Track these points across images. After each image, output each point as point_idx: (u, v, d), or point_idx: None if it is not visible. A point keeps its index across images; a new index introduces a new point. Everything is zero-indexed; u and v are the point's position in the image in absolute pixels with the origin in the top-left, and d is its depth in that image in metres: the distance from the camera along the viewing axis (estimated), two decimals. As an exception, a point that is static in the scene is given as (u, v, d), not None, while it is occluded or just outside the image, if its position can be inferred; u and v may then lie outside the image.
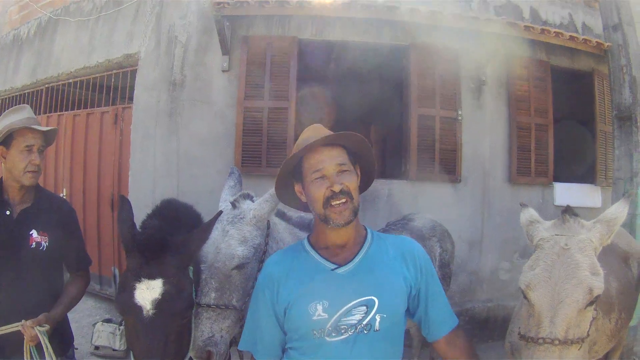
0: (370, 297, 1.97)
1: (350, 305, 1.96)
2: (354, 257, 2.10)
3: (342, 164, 2.09)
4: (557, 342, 2.01)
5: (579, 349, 2.07)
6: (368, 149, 2.25)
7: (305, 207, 2.34)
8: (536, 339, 2.05)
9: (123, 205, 2.43)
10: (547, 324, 2.05)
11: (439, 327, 2.14)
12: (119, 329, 6.13)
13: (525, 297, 2.21)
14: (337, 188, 2.02)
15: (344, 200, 2.03)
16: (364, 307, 1.96)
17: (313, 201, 2.10)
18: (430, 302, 2.14)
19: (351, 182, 2.07)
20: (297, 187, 2.22)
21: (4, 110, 8.46)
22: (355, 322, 1.95)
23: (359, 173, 2.22)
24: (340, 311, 1.95)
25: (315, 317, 1.95)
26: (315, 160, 2.10)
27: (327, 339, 1.94)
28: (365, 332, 1.95)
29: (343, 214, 2.03)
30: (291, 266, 2.11)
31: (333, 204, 2.02)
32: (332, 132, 2.19)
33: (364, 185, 2.32)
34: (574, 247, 2.17)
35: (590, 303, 2.07)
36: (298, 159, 2.18)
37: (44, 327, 2.76)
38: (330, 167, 2.07)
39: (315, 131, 2.20)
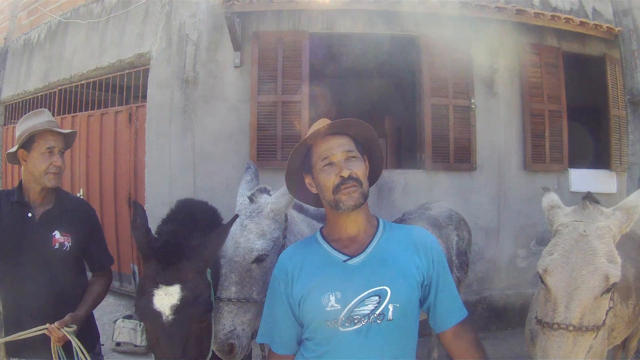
0: (382, 287, 1.98)
1: (362, 295, 1.97)
2: (365, 248, 2.10)
3: (349, 150, 2.13)
4: (571, 327, 2.01)
5: (594, 337, 2.07)
6: (375, 138, 2.28)
7: (315, 202, 2.37)
8: (551, 324, 2.06)
9: (136, 211, 2.44)
10: (563, 310, 2.06)
11: (447, 319, 2.13)
12: (140, 325, 6.18)
13: (542, 281, 2.22)
14: (345, 173, 2.05)
15: (353, 184, 2.05)
16: (377, 297, 1.97)
17: (323, 188, 2.13)
18: (440, 293, 2.13)
19: (359, 168, 2.10)
20: (307, 179, 2.26)
21: (18, 114, 8.67)
22: (368, 312, 1.95)
23: (367, 164, 2.24)
24: (353, 302, 1.96)
25: (328, 308, 1.96)
26: (323, 149, 2.14)
27: (341, 329, 1.95)
28: (378, 321, 1.95)
29: (352, 195, 2.05)
30: (304, 259, 2.13)
31: (342, 187, 2.05)
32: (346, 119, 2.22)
33: (373, 177, 2.33)
34: (592, 234, 2.16)
35: (607, 291, 2.07)
36: (306, 151, 2.23)
37: (71, 327, 2.79)
38: (338, 154, 2.11)
39: (323, 124, 2.21)
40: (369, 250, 2.09)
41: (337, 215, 2.14)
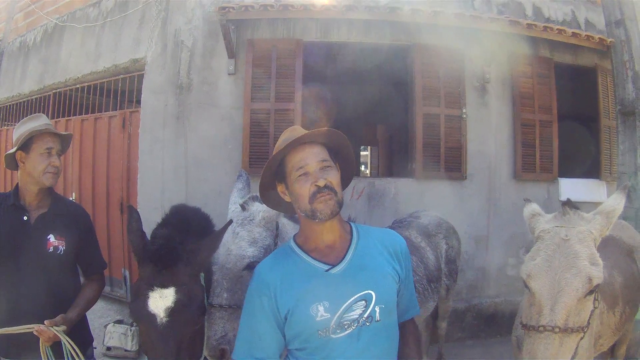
0: (367, 291, 2.04)
1: (350, 301, 2.02)
2: (344, 256, 2.14)
3: (324, 160, 2.14)
4: (557, 329, 2.05)
5: (580, 338, 2.11)
6: (347, 146, 2.30)
7: (288, 209, 2.40)
8: (537, 327, 2.09)
9: (131, 215, 2.46)
10: (548, 312, 2.10)
11: (404, 313, 2.28)
12: (131, 330, 6.20)
13: (526, 286, 2.26)
14: (321, 183, 2.06)
15: (329, 193, 2.07)
16: (363, 302, 2.03)
17: (298, 198, 2.13)
18: (404, 290, 2.24)
19: (334, 177, 2.12)
20: (280, 188, 2.26)
21: (12, 116, 8.64)
22: (357, 316, 2.01)
23: (339, 170, 2.25)
24: (342, 308, 2.00)
25: (318, 318, 1.99)
26: (298, 158, 2.14)
27: (333, 336, 1.99)
28: (367, 324, 2.02)
29: (328, 203, 2.06)
30: (284, 271, 2.13)
31: (318, 196, 2.07)
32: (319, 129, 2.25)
33: (343, 183, 2.33)
34: (573, 238, 2.21)
35: (590, 292, 2.11)
36: (280, 160, 2.22)
37: (60, 327, 2.81)
38: (313, 163, 2.11)
39: (294, 132, 2.24)
40: (348, 257, 2.14)
41: (314, 225, 2.15)
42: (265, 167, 2.25)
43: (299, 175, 2.12)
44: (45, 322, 2.77)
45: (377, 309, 2.04)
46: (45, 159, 3.05)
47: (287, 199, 2.24)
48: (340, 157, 2.31)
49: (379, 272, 2.12)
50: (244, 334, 2.16)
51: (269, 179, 2.31)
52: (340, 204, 2.11)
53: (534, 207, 2.58)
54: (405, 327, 2.27)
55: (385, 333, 2.09)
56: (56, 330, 2.78)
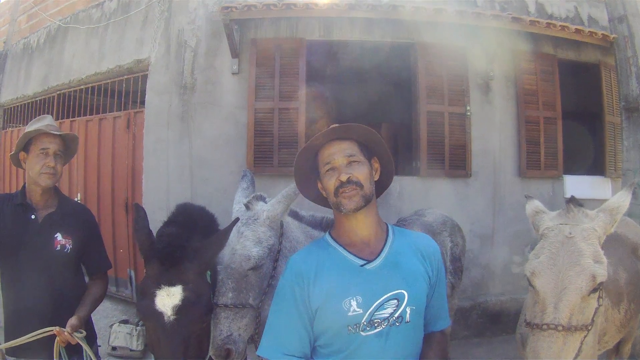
0: (400, 291, 2.04)
1: (382, 299, 2.02)
2: (380, 252, 2.15)
3: (351, 155, 2.16)
4: (560, 327, 2.03)
5: (584, 337, 2.11)
6: (378, 140, 2.29)
7: (325, 203, 2.39)
8: (540, 325, 2.08)
9: (138, 213, 2.48)
10: (551, 310, 2.08)
11: (431, 323, 2.24)
12: (136, 330, 6.22)
13: (530, 284, 2.25)
14: (344, 177, 2.09)
15: (352, 187, 2.09)
16: (395, 301, 2.03)
17: (327, 192, 2.19)
18: (434, 299, 2.23)
19: (361, 172, 2.14)
20: (319, 185, 2.29)
21: (17, 118, 8.69)
22: (388, 315, 2.01)
23: (377, 166, 2.30)
24: (374, 305, 2.00)
25: (350, 313, 1.99)
26: (326, 154, 2.20)
27: (362, 333, 1.98)
28: (397, 324, 2.01)
29: (352, 199, 2.09)
30: (319, 263, 2.14)
31: (341, 190, 2.10)
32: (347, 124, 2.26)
33: (384, 181, 2.39)
34: (577, 236, 2.20)
35: (594, 290, 2.10)
36: (314, 156, 2.28)
37: (81, 333, 2.85)
38: (339, 159, 2.15)
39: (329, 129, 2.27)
40: (383, 254, 2.14)
41: (344, 218, 2.18)
42: (296, 161, 2.33)
43: (327, 170, 2.18)
44: (67, 328, 2.80)
45: (408, 310, 2.04)
46: (41, 160, 3.08)
47: (324, 193, 2.27)
48: (377, 153, 2.32)
49: (412, 273, 2.13)
50: (272, 328, 2.15)
51: (305, 175, 2.38)
52: (366, 198, 2.12)
53: (536, 204, 2.58)
54: (433, 338, 2.24)
55: (413, 334, 2.10)
56: (77, 338, 2.82)
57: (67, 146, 3.28)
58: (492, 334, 6.95)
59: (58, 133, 3.16)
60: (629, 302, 3.31)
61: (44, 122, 3.21)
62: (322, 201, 2.41)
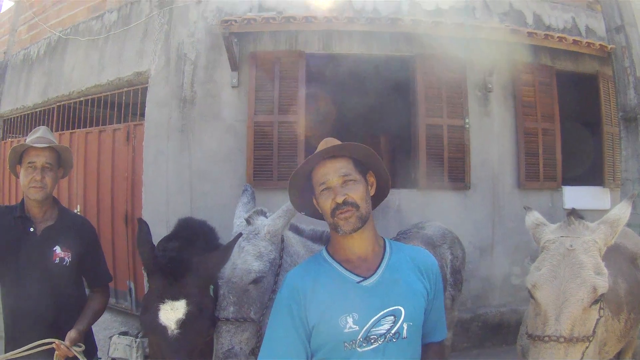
0: (397, 307, 2.05)
1: (378, 315, 2.02)
2: (377, 269, 2.14)
3: (346, 174, 2.15)
4: (562, 339, 2.05)
5: (585, 348, 2.12)
6: (375, 157, 2.28)
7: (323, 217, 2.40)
8: (542, 337, 2.09)
9: (141, 228, 2.48)
10: (553, 322, 2.10)
11: (428, 335, 2.25)
12: (135, 342, 6.20)
13: (532, 296, 2.26)
14: (340, 199, 2.09)
15: (348, 209, 2.09)
16: (392, 317, 2.03)
17: (324, 212, 2.19)
18: (432, 312, 2.23)
19: (356, 192, 2.13)
20: (314, 201, 2.28)
21: (16, 129, 8.72)
22: (385, 331, 2.01)
23: (372, 181, 2.29)
24: (370, 322, 2.00)
25: (346, 330, 1.99)
26: (320, 174, 2.19)
27: (358, 349, 1.98)
28: (394, 340, 2.01)
29: (349, 220, 2.09)
30: (315, 279, 2.14)
31: (338, 213, 2.10)
32: (340, 143, 2.25)
33: (381, 193, 2.37)
34: (578, 248, 2.21)
35: (595, 302, 2.11)
36: (308, 174, 2.27)
37: (80, 347, 2.86)
38: (334, 179, 2.14)
39: (326, 144, 2.25)
40: (380, 271, 2.14)
41: (340, 237, 2.17)
42: (290, 181, 2.32)
43: (322, 190, 2.17)
44: (66, 341, 2.81)
45: (404, 326, 2.04)
46: (29, 174, 3.11)
47: (320, 211, 2.26)
48: (373, 167, 2.31)
49: (409, 289, 2.13)
50: (269, 343, 2.14)
51: (300, 191, 2.37)
52: (362, 219, 2.12)
53: (536, 215, 2.59)
54: (431, 348, 2.26)
55: (410, 350, 2.09)
56: (76, 352, 2.83)
57: (61, 158, 3.28)
58: (493, 345, 6.94)
59: (42, 146, 3.14)
60: (628, 312, 3.31)
61: (36, 134, 3.23)
62: (319, 215, 2.40)
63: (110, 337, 6.42)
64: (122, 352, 6.25)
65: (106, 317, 7.58)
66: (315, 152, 2.24)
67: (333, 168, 2.17)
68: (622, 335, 3.30)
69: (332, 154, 2.20)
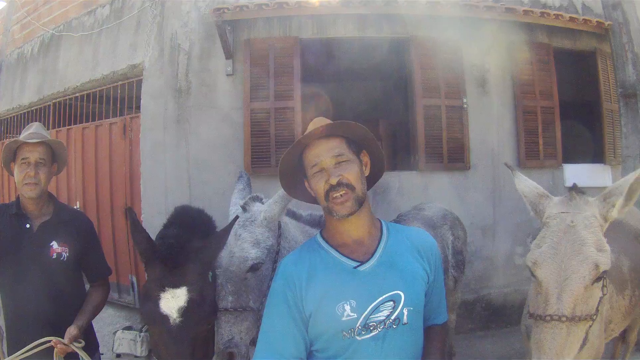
0: (396, 292, 1.97)
1: (377, 302, 1.95)
2: (374, 253, 2.06)
3: (339, 154, 2.06)
4: (564, 318, 1.97)
5: (588, 327, 2.07)
6: (368, 135, 2.19)
7: (316, 201, 2.27)
8: (543, 316, 2.02)
9: (132, 218, 2.43)
10: (554, 301, 2.02)
11: (430, 319, 2.19)
12: (140, 336, 6.21)
13: (532, 275, 2.19)
14: (334, 180, 1.99)
15: (343, 191, 2.00)
16: (391, 302, 1.96)
17: (317, 195, 2.09)
18: (432, 294, 2.17)
19: (351, 172, 2.03)
20: (306, 183, 2.18)
21: (13, 128, 8.69)
22: (384, 317, 1.94)
23: (366, 160, 2.19)
24: (368, 309, 1.93)
25: (344, 318, 1.92)
26: (312, 155, 2.09)
27: (357, 337, 1.92)
28: (394, 326, 1.95)
29: (345, 204, 2.00)
30: (310, 266, 2.06)
31: (333, 196, 2.00)
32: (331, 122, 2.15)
33: (375, 174, 2.28)
34: (579, 224, 2.14)
35: (598, 279, 2.05)
36: (299, 156, 2.17)
37: (80, 342, 2.84)
38: (326, 159, 2.04)
39: (317, 124, 2.14)
40: (377, 255, 2.06)
41: (336, 221, 2.08)
42: (281, 163, 2.20)
43: (315, 172, 2.07)
44: (65, 339, 2.80)
45: (405, 311, 1.97)
46: (22, 170, 3.07)
47: (313, 194, 2.17)
48: (367, 147, 2.22)
49: (408, 272, 2.05)
50: (266, 333, 2.07)
51: (291, 176, 2.27)
52: (358, 200, 2.03)
53: (530, 182, 2.50)
54: (433, 331, 2.19)
55: (412, 336, 2.02)
56: (76, 347, 2.81)
57: (55, 153, 3.24)
58: (497, 327, 6.93)
59: (35, 141, 3.10)
60: (633, 289, 3.27)
61: (29, 130, 3.19)
62: (312, 199, 2.32)
63: (115, 333, 6.42)
64: (126, 347, 6.26)
65: (109, 312, 7.60)
66: (305, 132, 2.14)
67: (325, 148, 2.07)
68: (627, 313, 3.27)
69: (324, 134, 2.09)
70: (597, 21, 7.32)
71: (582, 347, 2.06)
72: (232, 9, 6.41)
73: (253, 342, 2.66)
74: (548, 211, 2.30)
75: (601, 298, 2.14)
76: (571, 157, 7.96)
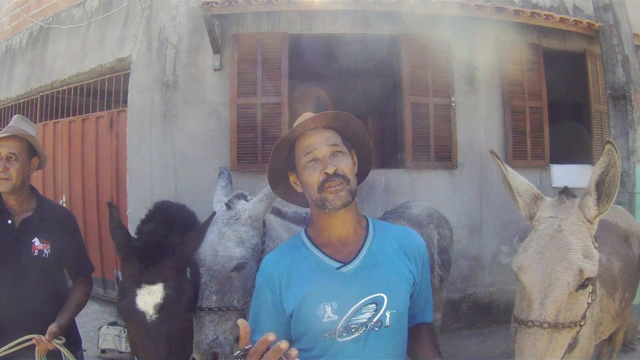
0: (379, 294, 1.94)
1: (359, 304, 1.91)
2: (358, 253, 2.02)
3: (335, 144, 2.01)
4: (546, 324, 1.94)
5: (573, 334, 2.04)
6: (363, 132, 2.16)
7: (303, 201, 2.24)
8: (526, 322, 2.00)
9: (112, 212, 2.41)
10: (537, 307, 1.99)
11: (416, 317, 2.16)
12: (124, 332, 6.16)
13: (517, 279, 2.17)
14: (330, 170, 1.93)
15: (339, 181, 1.94)
16: (374, 305, 1.93)
17: (308, 187, 2.01)
18: (419, 295, 2.14)
19: (346, 164, 1.99)
20: (292, 178, 2.14)
21: (0, 121, 8.57)
22: (366, 320, 1.91)
23: (355, 160, 2.13)
24: (350, 311, 1.90)
25: (325, 320, 1.89)
26: (307, 143, 2.02)
27: (339, 339, 1.90)
28: (376, 329, 1.92)
29: (339, 194, 1.94)
30: (292, 265, 2.02)
31: (328, 185, 1.94)
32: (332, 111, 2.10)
33: (363, 172, 2.25)
34: (567, 229, 2.11)
35: (583, 286, 2.02)
36: (289, 148, 2.11)
37: (60, 339, 2.82)
38: (322, 148, 1.99)
39: (306, 117, 2.12)
40: (361, 255, 2.02)
41: (325, 216, 2.03)
42: (272, 153, 2.14)
43: (308, 162, 2.00)
44: (46, 335, 2.77)
45: (387, 314, 1.94)
46: None
47: (298, 189, 2.12)
48: (357, 145, 2.17)
49: (393, 274, 2.00)
50: (252, 322, 2.03)
51: (278, 169, 2.20)
52: (352, 193, 1.98)
53: (524, 181, 2.46)
54: (421, 328, 2.16)
55: (394, 339, 1.98)
56: (57, 344, 2.79)
57: (34, 147, 3.19)
58: (483, 326, 6.95)
59: (4, 135, 3.05)
60: (623, 291, 3.26)
61: (9, 123, 3.17)
62: (291, 197, 2.30)
63: (99, 328, 6.38)
64: (111, 342, 6.22)
65: (95, 307, 7.56)
66: (295, 124, 2.09)
67: (321, 137, 2.01)
68: (617, 315, 3.26)
69: (320, 124, 2.05)
70: (587, 22, 7.34)
71: (572, 349, 2.05)
72: (220, 3, 6.36)
73: (237, 341, 2.65)
74: (538, 214, 2.28)
75: (589, 304, 2.12)
76: (559, 158, 7.97)
